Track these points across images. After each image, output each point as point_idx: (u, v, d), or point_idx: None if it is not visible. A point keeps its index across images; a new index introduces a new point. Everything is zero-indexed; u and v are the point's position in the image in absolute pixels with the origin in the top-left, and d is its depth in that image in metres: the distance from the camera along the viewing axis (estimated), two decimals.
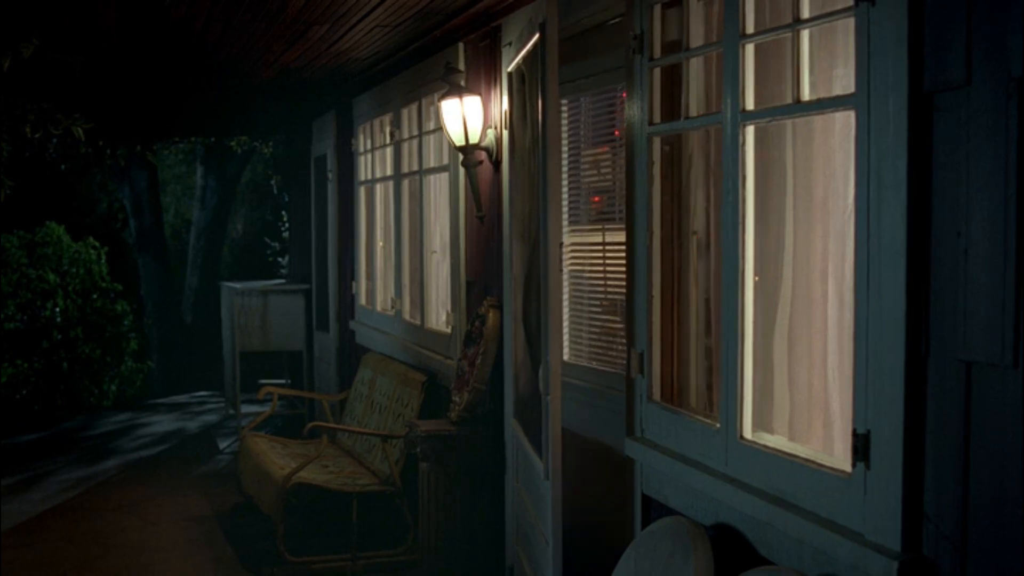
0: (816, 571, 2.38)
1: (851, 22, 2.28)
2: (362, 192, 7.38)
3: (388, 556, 5.46)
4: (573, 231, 4.65)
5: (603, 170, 4.47)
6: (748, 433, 2.74)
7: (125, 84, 7.28)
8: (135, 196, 12.96)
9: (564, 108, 4.57)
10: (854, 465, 2.26)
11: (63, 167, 9.25)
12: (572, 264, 4.63)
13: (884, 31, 2.14)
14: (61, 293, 10.53)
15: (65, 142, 6.74)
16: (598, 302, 4.44)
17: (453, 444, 4.76)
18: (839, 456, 2.48)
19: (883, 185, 2.14)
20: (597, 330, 4.46)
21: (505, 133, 4.65)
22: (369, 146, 7.31)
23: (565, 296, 4.60)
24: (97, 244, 11.21)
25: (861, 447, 2.22)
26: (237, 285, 9.53)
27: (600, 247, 4.43)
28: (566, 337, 4.64)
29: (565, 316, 4.61)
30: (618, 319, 4.21)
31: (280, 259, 14.73)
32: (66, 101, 6.66)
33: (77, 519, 6.46)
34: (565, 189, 4.58)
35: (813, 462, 2.46)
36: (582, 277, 4.59)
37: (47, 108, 6.44)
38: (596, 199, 4.51)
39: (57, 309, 10.43)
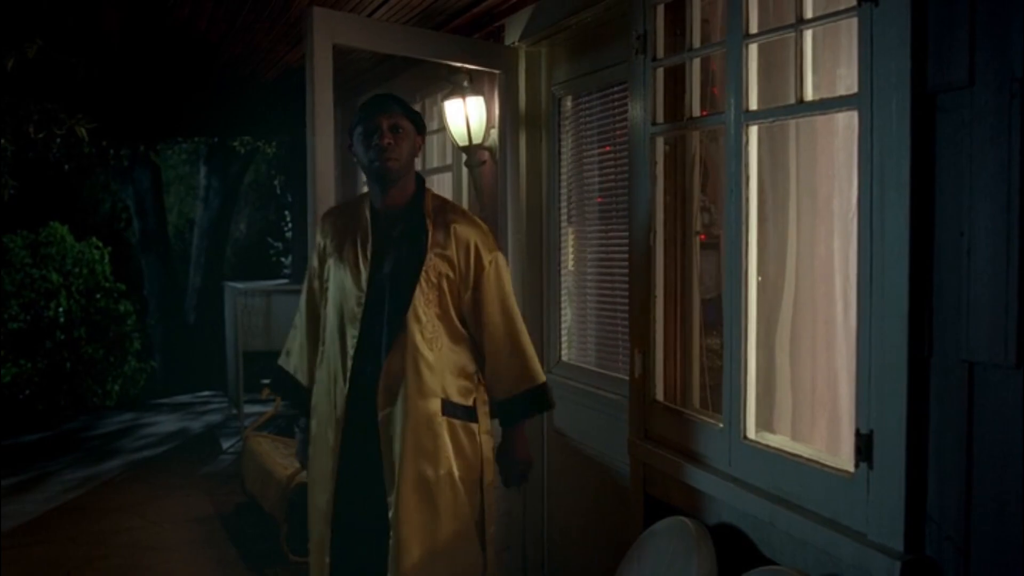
0: (819, 571, 2.38)
1: (854, 22, 2.29)
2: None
3: None
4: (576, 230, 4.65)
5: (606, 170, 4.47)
6: (751, 433, 2.75)
7: (128, 84, 7.29)
8: (138, 196, 12.97)
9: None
10: (857, 465, 2.26)
11: (66, 167, 9.25)
12: (573, 264, 4.62)
13: (887, 32, 2.14)
14: (64, 293, 10.53)
15: (69, 142, 6.74)
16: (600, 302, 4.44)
17: None
18: (842, 456, 2.48)
19: (886, 186, 2.14)
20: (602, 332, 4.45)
21: None
22: None
23: (564, 296, 4.61)
24: (100, 244, 11.22)
25: (864, 447, 2.23)
26: (240, 285, 9.54)
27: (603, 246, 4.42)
28: (564, 338, 4.64)
29: (566, 317, 4.61)
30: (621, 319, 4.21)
31: (283, 259, 14.76)
32: (70, 101, 6.67)
33: (80, 519, 6.47)
34: (564, 188, 4.58)
35: (816, 462, 2.47)
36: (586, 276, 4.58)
37: (51, 108, 6.45)
38: (599, 199, 4.51)
39: (60, 309, 10.43)
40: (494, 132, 4.88)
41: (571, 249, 4.59)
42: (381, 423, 3.14)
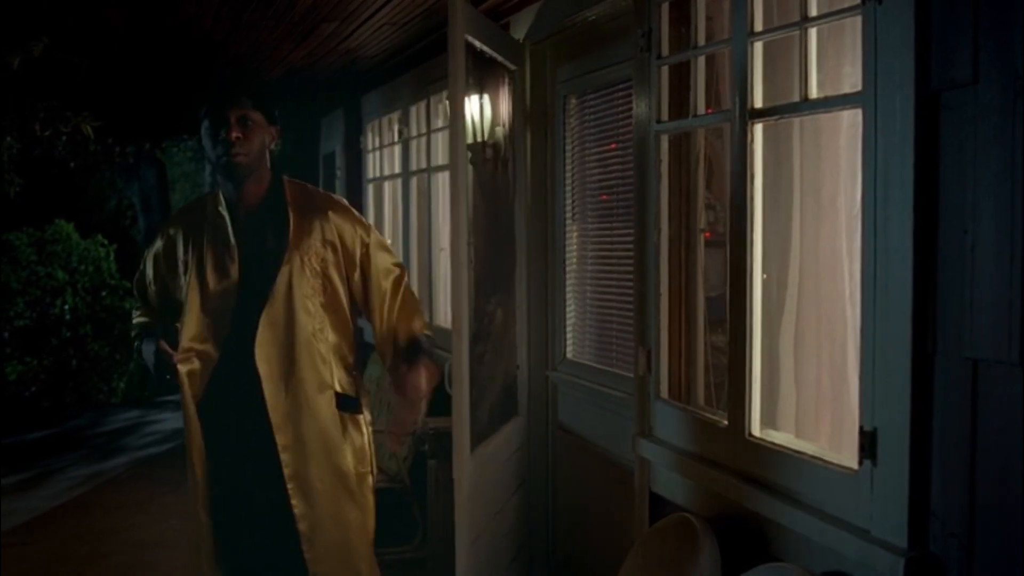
0: (823, 568, 2.38)
1: (859, 20, 2.29)
2: (370, 190, 7.38)
3: (397, 553, 5.46)
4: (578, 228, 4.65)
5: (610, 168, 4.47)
6: (756, 430, 2.75)
7: (133, 82, 7.31)
8: (144, 194, 12.97)
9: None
10: (861, 462, 2.26)
11: (72, 165, 9.28)
12: (572, 261, 4.63)
13: (891, 29, 2.14)
14: (70, 290, 10.55)
15: (74, 140, 6.77)
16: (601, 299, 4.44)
17: None
18: (846, 453, 2.48)
19: (890, 183, 2.15)
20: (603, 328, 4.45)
21: None
22: (378, 144, 7.32)
23: (569, 293, 4.61)
24: (106, 241, 11.23)
25: (868, 444, 2.23)
26: None
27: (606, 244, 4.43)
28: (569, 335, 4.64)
29: (570, 313, 4.62)
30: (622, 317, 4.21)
31: None
32: (75, 99, 6.69)
33: (84, 516, 6.48)
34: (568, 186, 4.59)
35: (820, 459, 2.47)
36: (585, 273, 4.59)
37: (56, 106, 6.47)
38: (604, 196, 4.51)
39: (66, 307, 10.45)
40: (499, 130, 4.88)
41: (575, 246, 4.60)
42: (277, 427, 3.05)
